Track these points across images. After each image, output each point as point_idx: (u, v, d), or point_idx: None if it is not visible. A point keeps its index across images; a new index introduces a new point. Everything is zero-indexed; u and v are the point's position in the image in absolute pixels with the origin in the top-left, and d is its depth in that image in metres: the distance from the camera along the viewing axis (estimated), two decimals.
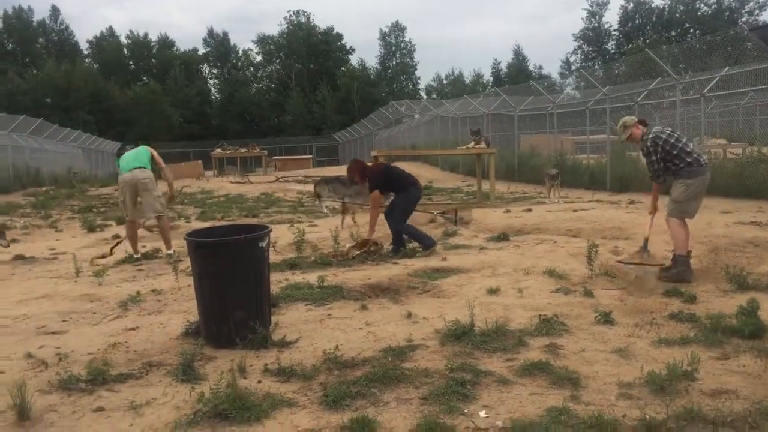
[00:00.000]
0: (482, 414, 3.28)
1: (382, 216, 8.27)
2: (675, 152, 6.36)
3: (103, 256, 8.40)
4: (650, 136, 6.48)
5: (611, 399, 3.42)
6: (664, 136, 6.43)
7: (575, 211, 11.75)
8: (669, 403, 3.24)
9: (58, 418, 3.40)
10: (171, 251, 8.52)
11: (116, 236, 10.80)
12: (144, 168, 8.51)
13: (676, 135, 6.50)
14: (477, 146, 14.80)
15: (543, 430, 3.03)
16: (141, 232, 11.39)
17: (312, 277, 6.56)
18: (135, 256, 8.44)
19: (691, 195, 6.38)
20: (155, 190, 8.56)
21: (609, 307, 5.23)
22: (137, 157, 8.62)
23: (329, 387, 3.65)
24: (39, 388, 3.76)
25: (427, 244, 8.05)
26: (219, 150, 35.87)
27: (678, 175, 6.40)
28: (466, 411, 3.32)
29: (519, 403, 3.41)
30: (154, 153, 8.82)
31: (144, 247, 9.15)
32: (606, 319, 4.89)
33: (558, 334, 4.59)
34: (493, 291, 5.91)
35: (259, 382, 3.81)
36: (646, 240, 6.67)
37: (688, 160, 6.34)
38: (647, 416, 3.15)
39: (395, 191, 8.31)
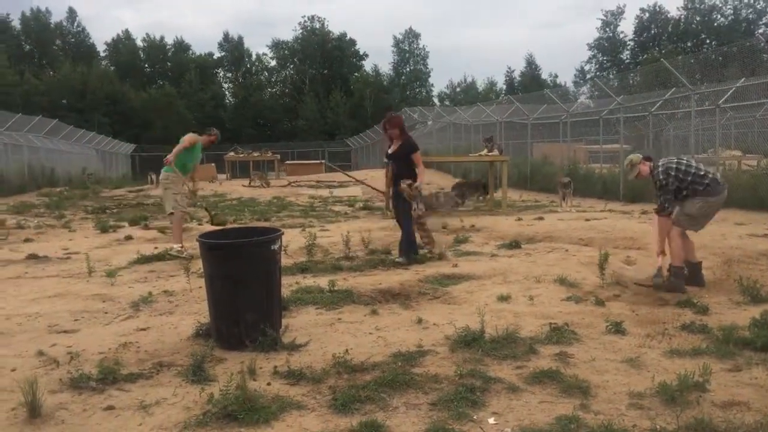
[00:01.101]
0: (491, 421, 3.27)
1: (393, 221, 8.19)
2: (689, 179, 6.35)
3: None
4: (660, 168, 6.46)
5: (621, 409, 3.40)
6: (674, 165, 6.41)
7: (587, 220, 11.70)
8: (680, 414, 3.22)
9: (69, 415, 3.42)
10: (179, 247, 8.73)
11: (128, 237, 10.87)
12: (166, 171, 8.90)
13: (685, 161, 6.52)
14: (490, 154, 14.80)
15: None
16: (154, 233, 11.49)
17: (323, 281, 6.57)
18: (176, 247, 8.71)
19: (706, 212, 6.41)
20: (173, 189, 8.88)
21: (620, 316, 5.21)
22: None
23: (338, 391, 3.65)
24: (50, 386, 3.79)
25: (408, 255, 7.86)
26: (232, 153, 36.01)
27: (697, 194, 6.36)
28: (475, 417, 3.31)
29: (528, 410, 3.40)
30: (183, 142, 8.96)
31: (156, 248, 9.20)
32: (617, 328, 4.87)
33: (568, 343, 4.58)
34: (503, 298, 5.90)
35: (269, 384, 3.82)
36: (660, 268, 6.51)
37: (706, 182, 6.33)
38: (657, 427, 3.13)
39: (405, 175, 8.01)
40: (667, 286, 6.25)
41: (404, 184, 7.86)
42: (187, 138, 8.93)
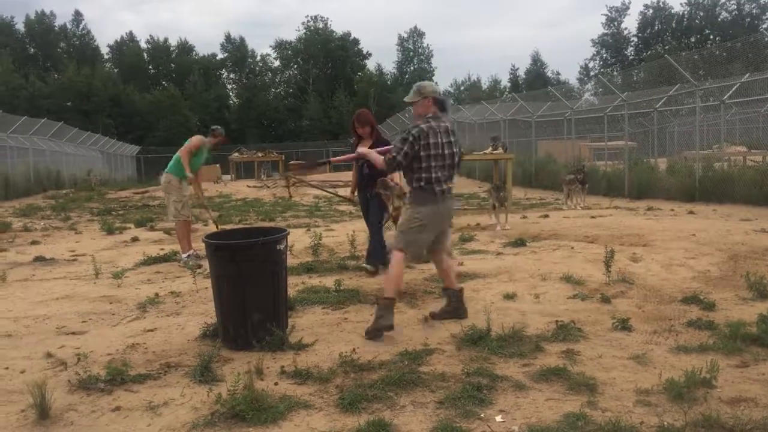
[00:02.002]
0: (498, 419, 3.28)
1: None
2: (422, 156, 4.88)
3: None
4: (422, 125, 4.90)
5: (629, 405, 3.40)
6: (430, 132, 4.88)
7: (593, 217, 11.69)
8: (687, 410, 3.21)
9: (78, 417, 3.44)
10: (184, 256, 8.26)
11: (134, 239, 10.91)
12: (167, 172, 8.56)
13: (443, 141, 4.94)
14: (495, 152, 14.77)
15: None
16: (159, 235, 11.52)
17: (329, 281, 6.59)
18: (183, 256, 8.28)
19: (418, 227, 4.94)
20: (173, 195, 8.43)
21: (626, 313, 5.20)
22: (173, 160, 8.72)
23: (345, 390, 3.66)
24: (59, 388, 3.80)
25: (372, 260, 7.27)
26: (237, 154, 36.03)
27: (409, 197, 5.17)
28: (482, 415, 3.31)
29: (535, 408, 3.41)
30: (182, 153, 8.43)
31: (162, 249, 9.23)
32: (623, 325, 4.86)
33: (575, 340, 4.58)
34: (509, 296, 5.90)
35: (276, 384, 3.84)
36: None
37: (424, 175, 4.90)
38: (665, 423, 3.13)
39: (381, 174, 6.91)
40: (374, 324, 4.84)
41: (401, 183, 6.91)
42: (194, 140, 8.60)
